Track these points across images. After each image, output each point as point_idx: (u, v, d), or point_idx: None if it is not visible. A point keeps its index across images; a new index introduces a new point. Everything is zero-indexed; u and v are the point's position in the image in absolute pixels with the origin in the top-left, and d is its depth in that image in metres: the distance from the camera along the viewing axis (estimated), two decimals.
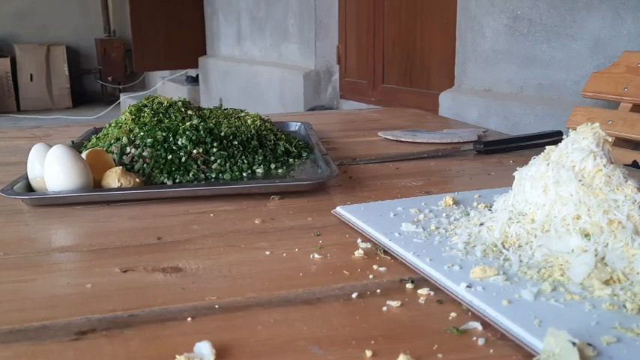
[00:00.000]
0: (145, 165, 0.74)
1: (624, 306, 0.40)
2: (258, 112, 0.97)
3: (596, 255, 0.44)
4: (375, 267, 0.49)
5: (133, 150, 0.75)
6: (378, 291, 0.45)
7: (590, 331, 0.37)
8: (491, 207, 0.57)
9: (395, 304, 0.42)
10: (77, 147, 0.88)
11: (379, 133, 1.07)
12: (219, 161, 0.77)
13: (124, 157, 0.75)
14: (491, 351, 0.37)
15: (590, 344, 0.35)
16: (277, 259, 0.51)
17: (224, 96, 4.41)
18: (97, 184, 0.70)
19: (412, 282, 0.46)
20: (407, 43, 2.70)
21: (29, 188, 0.71)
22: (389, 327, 0.40)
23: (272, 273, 0.48)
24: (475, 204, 0.61)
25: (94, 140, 0.85)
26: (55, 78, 6.58)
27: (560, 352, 0.34)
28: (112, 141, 0.78)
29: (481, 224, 0.53)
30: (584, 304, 0.40)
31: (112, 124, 0.86)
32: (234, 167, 0.78)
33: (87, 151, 0.73)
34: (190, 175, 0.74)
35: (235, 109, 0.96)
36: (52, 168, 0.67)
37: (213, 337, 0.37)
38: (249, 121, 0.88)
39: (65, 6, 6.79)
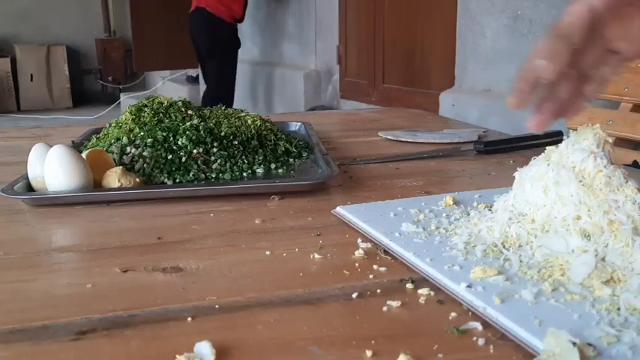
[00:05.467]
0: (145, 165, 0.74)
1: (624, 306, 0.40)
2: (258, 112, 0.97)
3: (596, 255, 0.44)
4: (375, 267, 0.49)
5: (133, 150, 0.75)
6: (379, 291, 0.45)
7: (591, 331, 0.37)
8: (491, 207, 0.57)
9: (395, 304, 0.42)
10: (77, 147, 0.88)
11: (379, 133, 1.07)
12: (219, 161, 0.77)
13: (124, 157, 0.75)
14: (492, 351, 0.37)
15: (590, 344, 0.35)
16: (277, 259, 0.51)
17: None
18: (97, 184, 0.70)
19: (412, 282, 0.46)
20: (407, 43, 2.70)
21: (29, 188, 0.71)
22: (389, 327, 0.40)
23: (272, 273, 0.48)
24: (475, 204, 0.61)
25: (94, 140, 0.85)
26: (55, 78, 6.57)
27: (561, 352, 0.34)
28: (112, 141, 0.78)
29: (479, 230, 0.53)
30: (585, 304, 0.40)
31: (112, 124, 0.86)
32: (235, 167, 0.78)
33: (87, 151, 0.73)
34: (190, 175, 0.74)
35: (235, 109, 0.96)
36: (52, 168, 0.67)
37: (213, 337, 0.37)
38: (249, 121, 0.88)
39: (65, 6, 6.78)
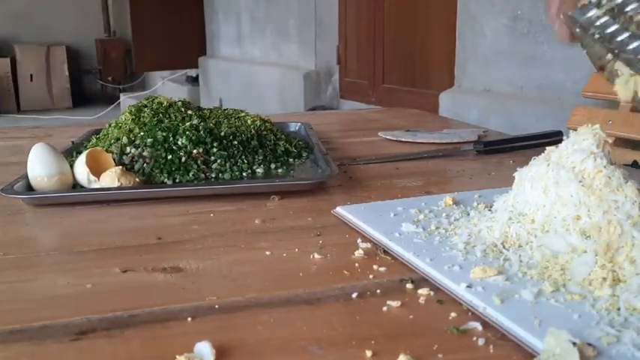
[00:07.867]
0: (145, 165, 0.74)
1: (624, 306, 0.40)
2: (258, 112, 0.97)
3: (596, 255, 0.44)
4: (375, 267, 0.49)
5: (133, 150, 0.75)
6: (378, 291, 0.45)
7: (591, 331, 0.37)
8: (491, 207, 0.57)
9: (395, 304, 0.42)
10: (77, 147, 0.88)
11: (379, 133, 1.07)
12: (219, 161, 0.77)
13: (124, 157, 0.75)
14: (492, 351, 0.37)
15: (590, 344, 0.35)
16: (277, 259, 0.51)
17: (224, 96, 4.41)
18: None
19: (412, 282, 0.46)
20: (407, 43, 2.70)
21: (29, 188, 0.71)
22: (389, 327, 0.40)
23: (272, 273, 0.48)
24: (475, 204, 0.61)
25: (94, 140, 0.85)
26: (55, 78, 6.57)
27: (561, 352, 0.34)
28: (112, 141, 0.78)
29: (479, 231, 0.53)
30: (584, 304, 0.40)
31: (112, 124, 0.86)
32: (234, 167, 0.78)
33: (87, 151, 0.73)
34: (190, 174, 0.74)
35: (235, 110, 0.96)
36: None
37: (213, 337, 0.37)
38: (249, 121, 0.88)
39: (65, 6, 6.78)
